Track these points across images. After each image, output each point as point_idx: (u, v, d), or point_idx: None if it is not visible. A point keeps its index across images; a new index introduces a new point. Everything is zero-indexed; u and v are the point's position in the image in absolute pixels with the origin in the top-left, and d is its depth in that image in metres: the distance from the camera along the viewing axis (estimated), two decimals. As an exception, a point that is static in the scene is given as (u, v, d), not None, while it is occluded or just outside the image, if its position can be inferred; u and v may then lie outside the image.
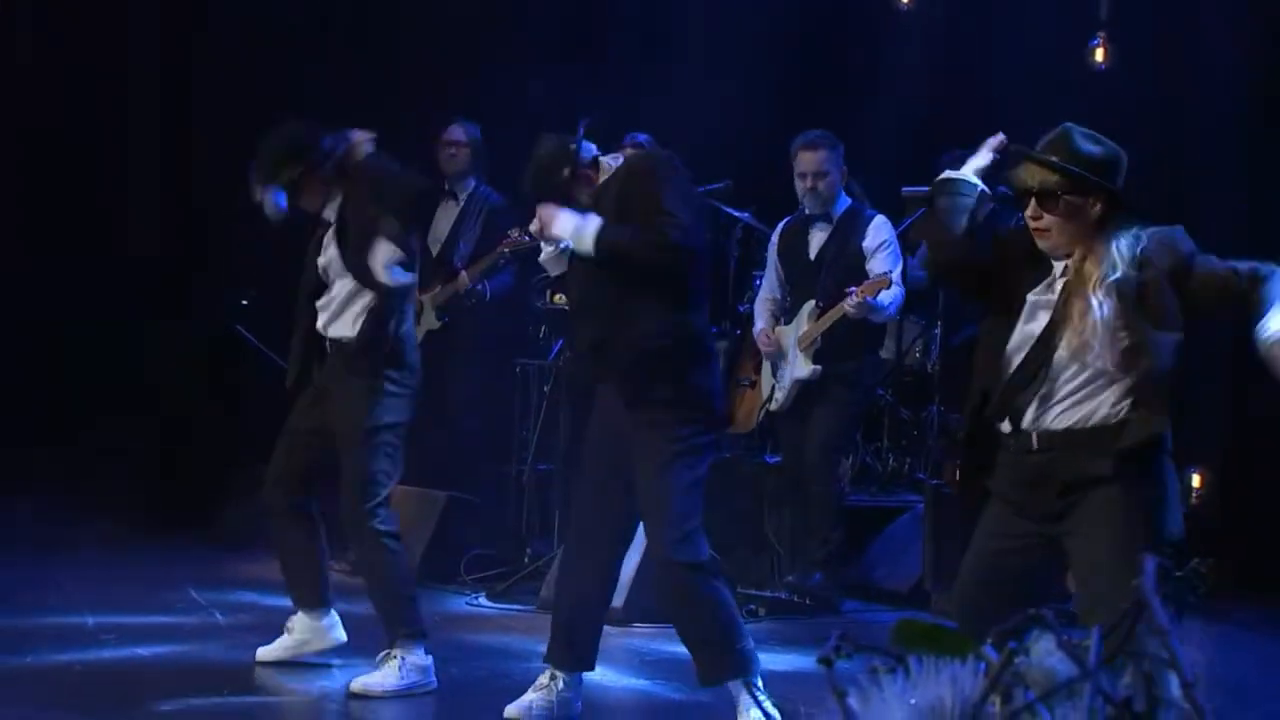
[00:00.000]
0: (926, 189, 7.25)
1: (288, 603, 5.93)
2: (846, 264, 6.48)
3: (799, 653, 5.52)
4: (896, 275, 6.42)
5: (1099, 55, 7.79)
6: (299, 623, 5.08)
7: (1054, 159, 3.42)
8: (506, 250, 6.86)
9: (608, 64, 7.57)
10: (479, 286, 6.99)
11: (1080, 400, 3.43)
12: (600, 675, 4.80)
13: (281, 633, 5.10)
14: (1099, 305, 3.37)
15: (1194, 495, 7.72)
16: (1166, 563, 1.24)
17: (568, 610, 4.51)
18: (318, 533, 5.07)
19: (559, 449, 6.85)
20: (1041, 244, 3.48)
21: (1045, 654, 1.31)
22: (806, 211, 6.57)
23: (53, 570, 6.35)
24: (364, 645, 5.01)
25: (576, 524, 4.54)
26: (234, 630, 5.53)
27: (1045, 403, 3.44)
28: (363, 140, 4.91)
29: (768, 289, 6.75)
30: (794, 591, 6.42)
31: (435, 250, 7.29)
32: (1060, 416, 3.43)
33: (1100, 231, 3.43)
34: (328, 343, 4.92)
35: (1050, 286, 3.50)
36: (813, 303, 6.47)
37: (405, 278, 4.82)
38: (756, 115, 8.07)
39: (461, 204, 7.26)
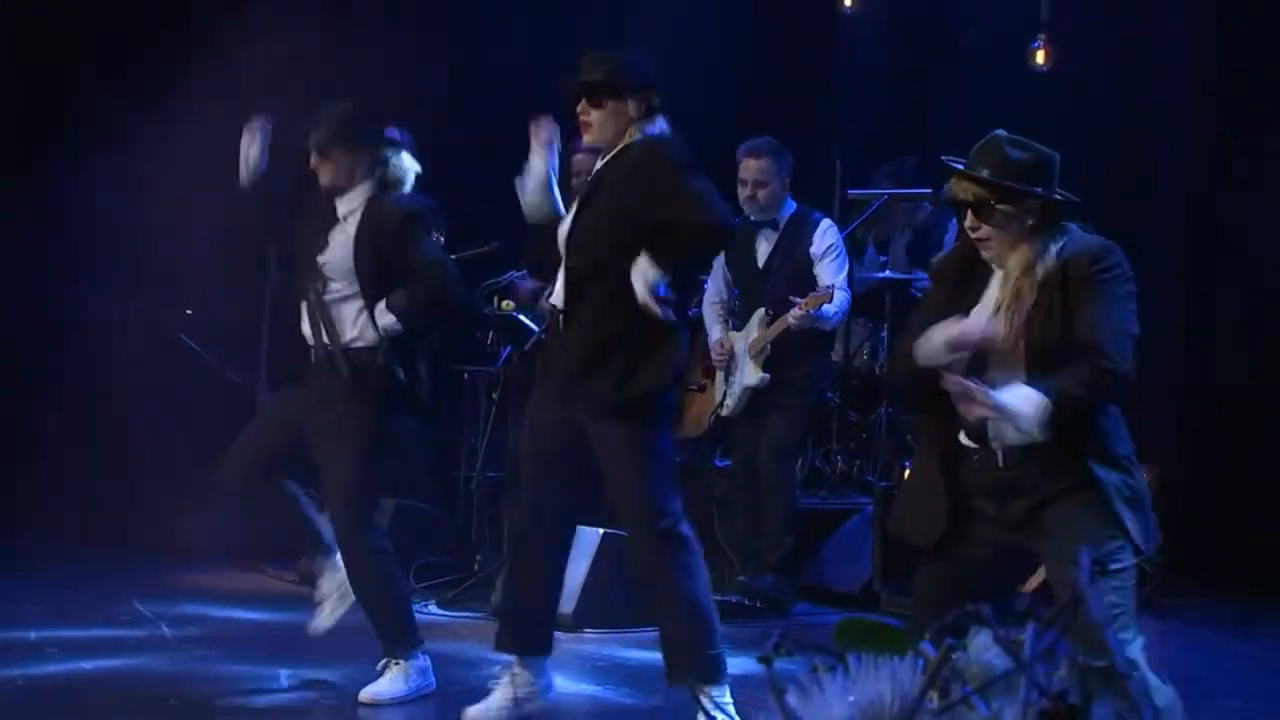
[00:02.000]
0: (872, 191, 7.36)
1: (237, 614, 5.90)
2: (794, 270, 6.51)
3: (750, 655, 5.52)
4: (842, 281, 6.45)
5: (1040, 57, 7.85)
6: (328, 572, 4.98)
7: (982, 173, 3.45)
8: None
9: (556, 65, 7.54)
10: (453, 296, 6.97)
11: None
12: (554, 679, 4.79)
13: (232, 643, 5.06)
14: (1028, 306, 3.39)
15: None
16: (1102, 558, 1.24)
17: (516, 597, 4.54)
18: (289, 488, 4.94)
19: (507, 456, 6.83)
20: (985, 254, 3.50)
21: (983, 649, 1.31)
22: (751, 218, 6.59)
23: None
24: (327, 657, 4.98)
25: (524, 515, 4.54)
26: (181, 643, 5.48)
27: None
28: (408, 167, 4.91)
29: (715, 292, 6.76)
30: (745, 594, 6.44)
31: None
32: (1008, 431, 3.41)
33: (1037, 235, 3.45)
34: (318, 345, 4.84)
35: (986, 296, 3.52)
36: (763, 310, 6.50)
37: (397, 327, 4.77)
38: (705, 119, 8.07)
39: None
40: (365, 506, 4.80)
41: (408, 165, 4.93)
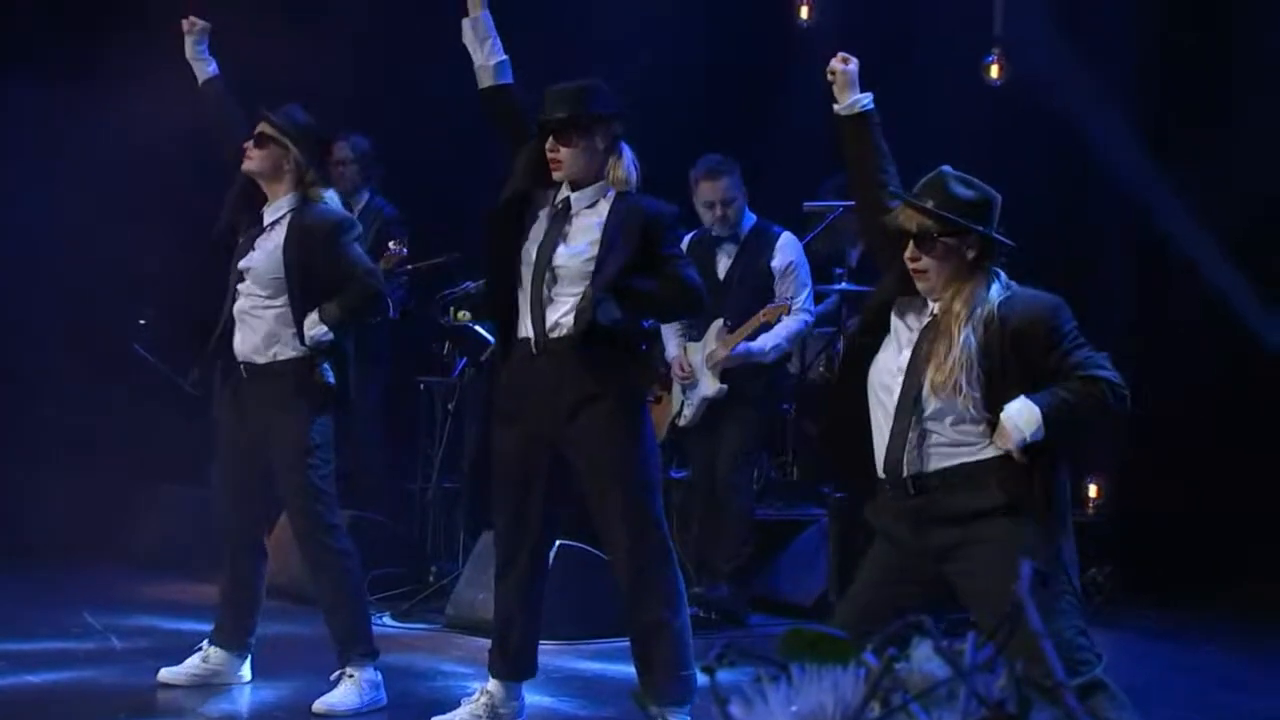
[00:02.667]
0: (828, 204, 7.38)
1: (187, 625, 5.85)
2: (754, 284, 6.53)
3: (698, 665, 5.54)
4: (804, 301, 6.50)
5: (994, 71, 7.91)
6: (215, 653, 5.01)
7: (929, 203, 3.48)
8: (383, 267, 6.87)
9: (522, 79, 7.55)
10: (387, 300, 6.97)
11: (954, 441, 3.46)
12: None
13: (186, 655, 5.03)
14: (964, 339, 3.42)
15: (1091, 505, 7.85)
16: (1042, 568, 1.26)
17: (500, 618, 4.54)
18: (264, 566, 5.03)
19: (464, 466, 6.82)
20: (921, 286, 3.53)
21: (924, 659, 1.32)
22: (712, 232, 6.60)
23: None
24: (278, 668, 4.95)
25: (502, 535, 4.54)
26: (131, 655, 5.43)
27: (919, 445, 3.47)
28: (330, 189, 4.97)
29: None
30: (701, 605, 6.44)
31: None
32: (933, 459, 3.46)
33: (974, 273, 3.50)
34: (246, 366, 4.83)
35: (919, 320, 3.56)
36: (721, 321, 6.51)
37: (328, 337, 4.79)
38: (661, 131, 8.10)
39: (355, 214, 7.24)
40: (322, 507, 4.79)
41: (332, 199, 4.98)
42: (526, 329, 4.36)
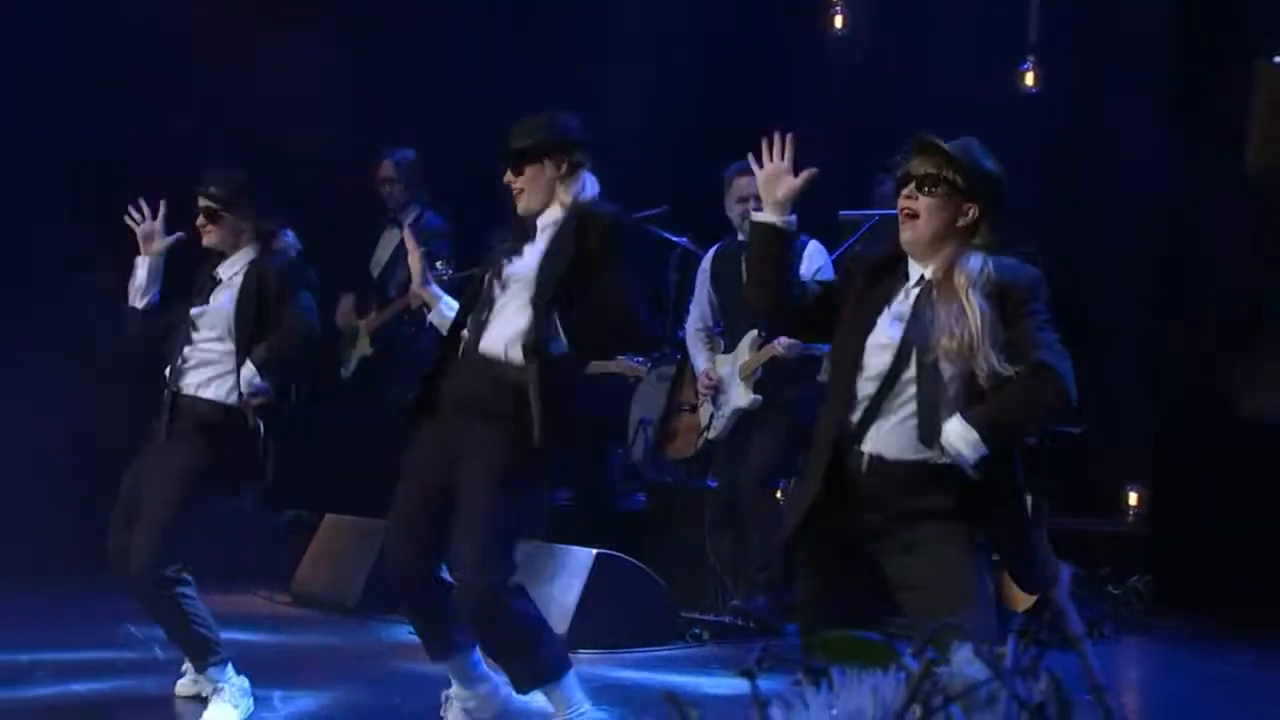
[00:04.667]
0: (864, 212, 7.38)
1: (228, 636, 5.86)
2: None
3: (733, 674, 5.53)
4: None
5: (1029, 79, 7.89)
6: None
7: (951, 148, 3.37)
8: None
9: (540, 82, 7.59)
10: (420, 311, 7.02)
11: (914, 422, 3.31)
12: (544, 701, 4.79)
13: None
14: (979, 306, 3.28)
15: (1130, 513, 7.81)
16: (1079, 571, 1.27)
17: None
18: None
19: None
20: (905, 233, 3.40)
21: (964, 663, 1.33)
22: (741, 238, 6.60)
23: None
24: (313, 678, 4.98)
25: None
26: (173, 665, 5.45)
27: (884, 420, 3.33)
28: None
29: (699, 318, 6.76)
30: (738, 615, 6.44)
31: (375, 275, 7.32)
32: (890, 444, 3.32)
33: (965, 242, 3.38)
34: (181, 398, 4.81)
35: (907, 296, 3.41)
36: (755, 332, 6.50)
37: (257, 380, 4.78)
38: (692, 139, 8.13)
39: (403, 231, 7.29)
40: (173, 539, 4.72)
41: (291, 241, 4.98)
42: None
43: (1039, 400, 3.27)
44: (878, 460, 3.32)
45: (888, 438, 3.32)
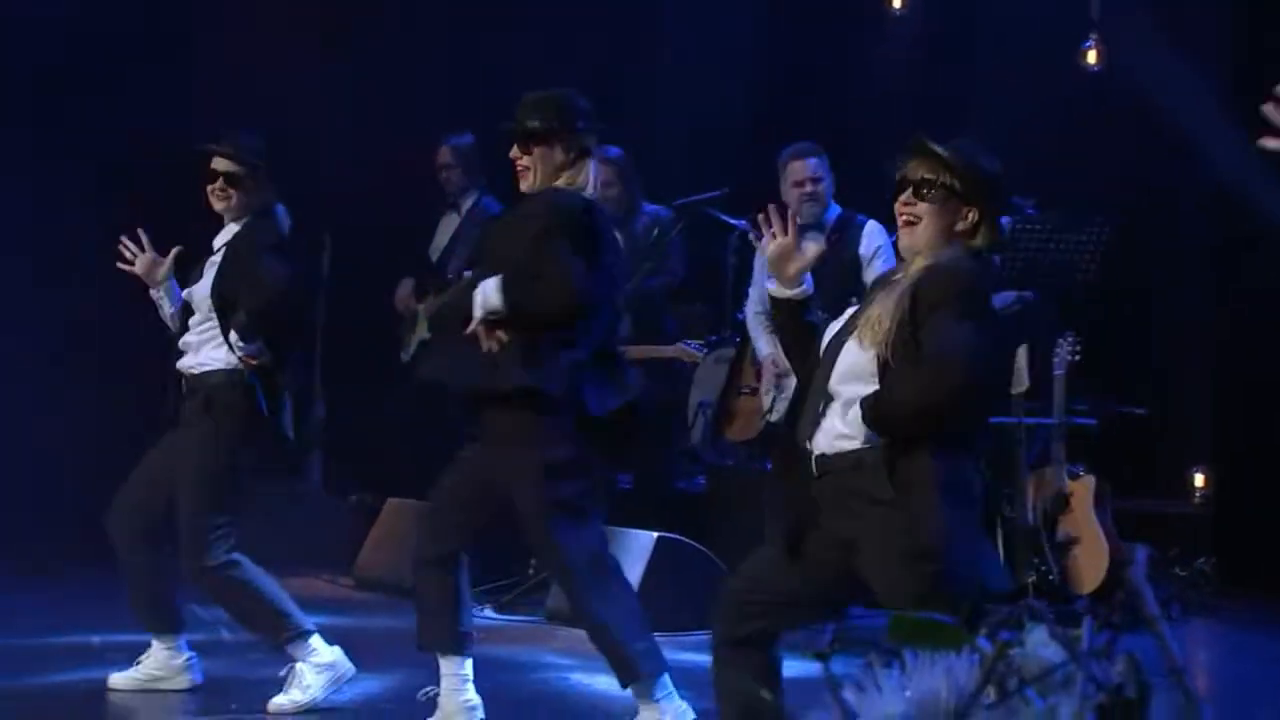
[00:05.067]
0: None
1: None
2: (842, 273, 6.49)
3: (805, 654, 5.52)
4: None
5: (1091, 57, 7.80)
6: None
7: (947, 153, 3.30)
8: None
9: (596, 69, 7.58)
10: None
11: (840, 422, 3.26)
12: (607, 684, 4.81)
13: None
14: (899, 299, 3.21)
15: (1196, 495, 7.74)
16: (1152, 552, 1.25)
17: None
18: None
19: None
20: (904, 239, 3.36)
21: (1039, 645, 1.32)
22: (799, 221, 6.56)
23: (59, 589, 6.37)
24: (383, 660, 5.01)
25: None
26: (239, 647, 5.52)
27: (824, 417, 3.28)
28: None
29: (759, 300, 6.72)
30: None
31: (434, 259, 7.34)
32: (835, 439, 3.26)
33: (965, 245, 3.31)
34: (187, 378, 4.81)
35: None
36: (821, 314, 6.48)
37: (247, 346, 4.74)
38: (750, 121, 8.10)
39: (462, 216, 7.32)
40: (211, 526, 4.73)
41: (282, 217, 4.90)
42: None
43: (918, 391, 3.15)
44: (821, 459, 3.28)
45: (823, 432, 3.29)
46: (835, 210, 6.59)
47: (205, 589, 4.81)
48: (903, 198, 3.34)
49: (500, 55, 8.03)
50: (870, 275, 6.44)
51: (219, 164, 4.83)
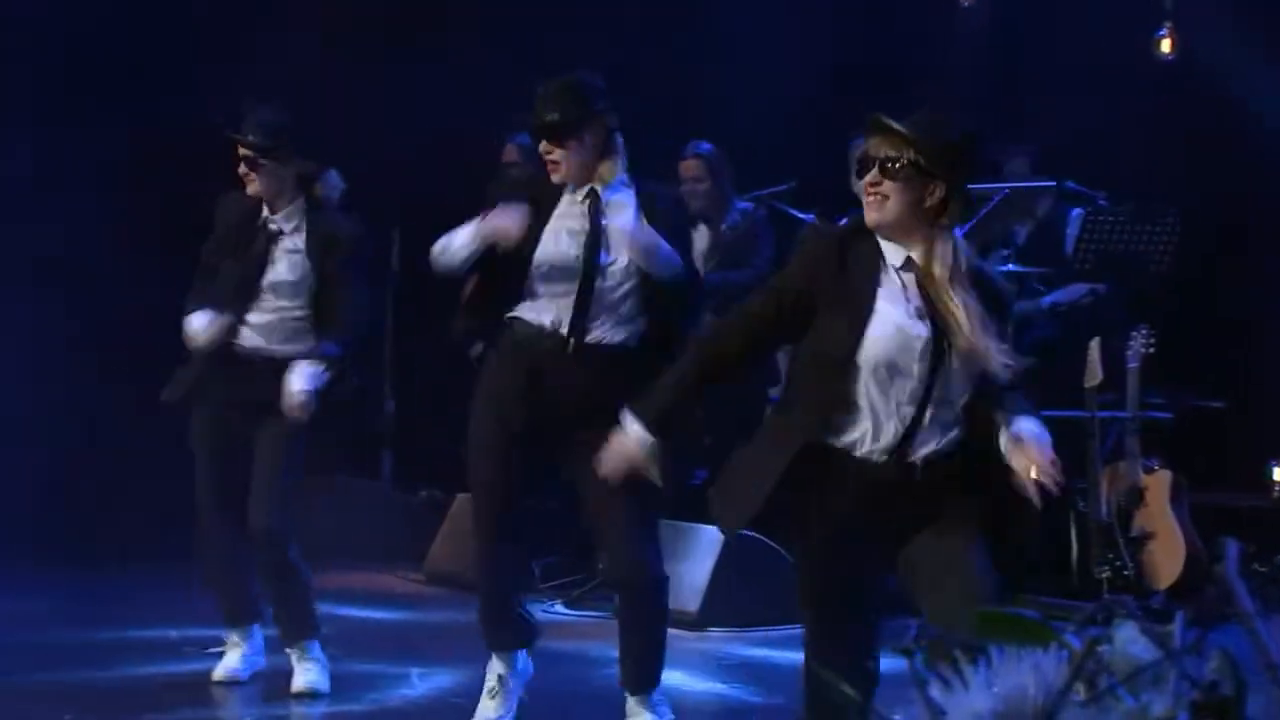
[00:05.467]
0: (992, 185, 7.27)
1: (365, 614, 5.99)
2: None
3: (890, 650, 5.49)
4: None
5: (1165, 46, 7.70)
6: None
7: (906, 129, 3.25)
8: None
9: (662, 64, 7.57)
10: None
11: (949, 423, 3.29)
12: (678, 680, 4.82)
13: (362, 643, 5.14)
14: (964, 302, 3.22)
15: (1276, 489, 7.62)
16: (1243, 546, 1.24)
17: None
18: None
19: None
20: (872, 215, 3.28)
21: (1128, 641, 1.30)
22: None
23: (135, 583, 6.45)
24: (449, 653, 5.03)
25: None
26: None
27: (929, 425, 3.28)
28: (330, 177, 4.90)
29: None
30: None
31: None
32: (932, 440, 3.28)
33: (936, 221, 3.27)
34: (259, 357, 4.79)
35: (905, 290, 3.29)
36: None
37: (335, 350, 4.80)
38: (819, 114, 8.06)
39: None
40: (288, 506, 4.80)
41: (335, 183, 4.90)
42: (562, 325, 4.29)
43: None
44: (923, 460, 3.27)
45: (928, 437, 3.27)
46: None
47: (263, 554, 4.80)
48: (868, 177, 3.29)
49: (565, 53, 8.03)
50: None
51: (240, 150, 4.81)
